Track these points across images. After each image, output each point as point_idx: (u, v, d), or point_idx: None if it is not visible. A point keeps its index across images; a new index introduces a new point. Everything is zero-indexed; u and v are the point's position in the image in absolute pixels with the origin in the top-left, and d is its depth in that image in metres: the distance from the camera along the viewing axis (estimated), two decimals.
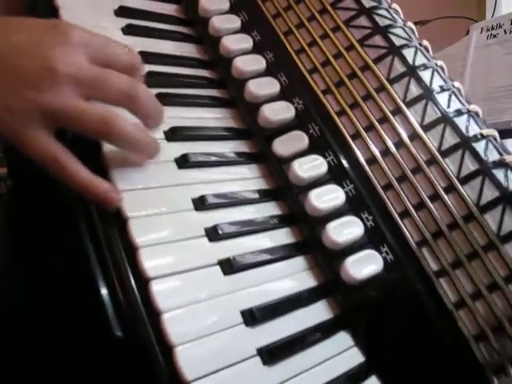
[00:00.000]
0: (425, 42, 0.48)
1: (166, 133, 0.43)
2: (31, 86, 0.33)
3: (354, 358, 0.40)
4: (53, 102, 0.33)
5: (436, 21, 1.08)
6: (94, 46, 0.36)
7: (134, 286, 0.35)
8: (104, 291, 0.35)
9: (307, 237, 0.43)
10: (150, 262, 0.35)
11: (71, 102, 0.34)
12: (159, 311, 0.34)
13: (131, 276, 0.35)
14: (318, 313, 0.40)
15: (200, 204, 0.40)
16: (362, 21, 0.48)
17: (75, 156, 0.35)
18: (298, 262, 0.42)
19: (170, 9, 0.54)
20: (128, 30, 0.48)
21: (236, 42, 0.50)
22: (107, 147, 0.39)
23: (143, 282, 0.35)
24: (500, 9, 1.29)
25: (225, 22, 0.51)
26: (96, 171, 0.37)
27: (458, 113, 0.44)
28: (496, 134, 0.44)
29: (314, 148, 0.46)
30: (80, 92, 0.34)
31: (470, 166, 0.42)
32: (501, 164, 0.42)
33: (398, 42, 0.47)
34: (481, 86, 0.88)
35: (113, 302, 0.35)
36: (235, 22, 0.52)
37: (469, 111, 0.44)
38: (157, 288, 0.34)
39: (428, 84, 0.45)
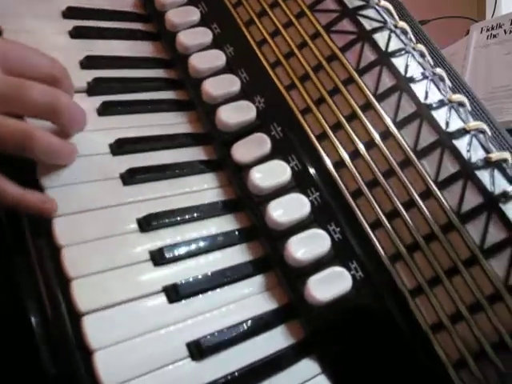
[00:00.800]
0: (402, 24, 0.42)
1: (111, 146, 0.40)
2: None
3: None
4: None
5: (436, 21, 1.05)
6: (9, 55, 0.33)
7: (67, 321, 0.32)
8: (37, 323, 0.33)
9: (268, 253, 0.39)
10: (83, 296, 0.32)
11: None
12: (91, 349, 0.31)
13: (65, 310, 0.33)
14: (280, 338, 0.37)
15: (145, 224, 0.37)
16: (329, 3, 0.43)
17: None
18: (257, 281, 0.38)
19: (127, 3, 0.50)
20: (76, 33, 0.45)
21: (193, 37, 0.45)
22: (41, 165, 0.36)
23: (77, 316, 0.32)
24: (500, 9, 1.28)
25: (182, 16, 0.47)
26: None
27: (438, 104, 0.38)
28: (484, 127, 0.38)
29: (276, 152, 0.41)
30: (4, 67, 0.32)
31: (450, 167, 0.36)
32: (486, 163, 0.36)
33: (369, 25, 0.41)
34: (481, 86, 0.86)
35: (46, 336, 0.32)
36: (194, 14, 0.47)
37: (450, 102, 0.38)
38: (88, 323, 0.32)
39: (403, 73, 0.39)
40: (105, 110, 0.41)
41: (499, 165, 0.36)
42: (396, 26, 0.42)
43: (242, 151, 0.41)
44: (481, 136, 0.38)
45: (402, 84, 0.39)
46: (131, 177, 0.38)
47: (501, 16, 1.08)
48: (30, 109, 0.33)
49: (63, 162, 0.36)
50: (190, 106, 0.45)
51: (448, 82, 0.41)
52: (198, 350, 0.33)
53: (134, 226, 0.37)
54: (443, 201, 0.36)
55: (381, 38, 0.41)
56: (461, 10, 1.24)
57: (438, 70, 0.40)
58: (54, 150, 0.34)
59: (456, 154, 0.36)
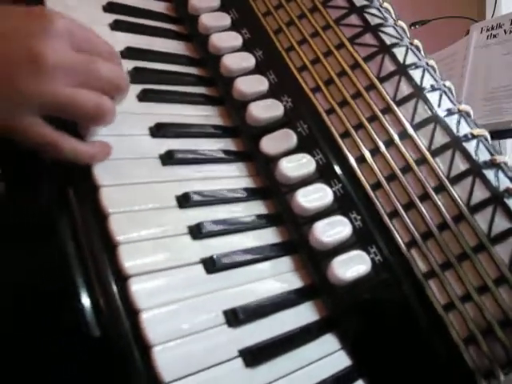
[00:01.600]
0: (416, 42, 0.47)
1: (151, 129, 0.42)
2: (19, 76, 0.33)
3: (341, 361, 0.39)
4: (43, 91, 0.33)
5: (436, 21, 1.08)
6: (78, 34, 0.36)
7: (113, 284, 0.34)
8: (82, 289, 0.34)
9: (294, 237, 0.42)
10: (129, 260, 0.34)
11: (61, 89, 0.34)
12: (138, 310, 0.33)
13: (110, 273, 0.34)
14: (304, 314, 0.39)
15: (184, 201, 0.39)
16: (353, 19, 0.48)
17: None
18: (285, 262, 0.41)
19: (159, 6, 0.54)
20: (115, 26, 0.47)
21: (225, 40, 0.49)
22: None
23: (122, 279, 0.34)
24: (500, 9, 1.29)
25: (214, 20, 0.50)
26: (79, 168, 0.37)
27: (449, 112, 0.43)
28: (487, 134, 0.43)
29: (302, 147, 0.45)
30: (68, 80, 0.34)
31: (461, 165, 0.41)
32: (492, 164, 0.41)
33: (388, 40, 0.46)
34: (481, 86, 0.88)
35: (91, 299, 0.34)
36: (225, 19, 0.51)
37: (459, 111, 0.44)
38: (136, 286, 0.33)
39: (419, 83, 0.44)
40: (145, 96, 0.43)
41: (502, 166, 0.41)
42: (411, 44, 0.47)
43: (270, 144, 0.45)
44: (485, 141, 0.43)
45: (419, 92, 0.44)
46: (170, 158, 0.41)
47: (501, 16, 1.09)
48: (98, 83, 0.35)
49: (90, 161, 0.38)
50: (219, 102, 0.48)
51: (454, 94, 0.46)
52: (235, 316, 0.35)
53: (173, 202, 0.39)
54: (454, 194, 0.40)
55: (399, 52, 0.46)
56: (461, 9, 1.24)
57: (448, 83, 0.46)
58: (85, 154, 0.37)
59: (466, 154, 0.41)
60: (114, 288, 0.34)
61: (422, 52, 0.48)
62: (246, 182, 0.44)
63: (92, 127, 0.38)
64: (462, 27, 1.05)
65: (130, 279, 0.33)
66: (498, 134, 0.86)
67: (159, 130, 0.42)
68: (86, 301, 0.34)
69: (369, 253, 0.40)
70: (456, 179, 0.40)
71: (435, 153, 0.42)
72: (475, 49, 0.94)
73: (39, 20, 0.34)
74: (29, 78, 0.33)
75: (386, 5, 0.49)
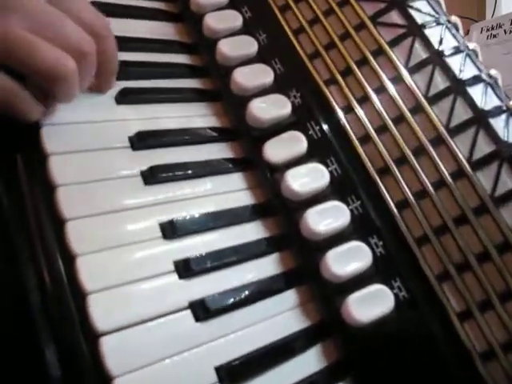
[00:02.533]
0: (453, 18, 0.38)
1: (131, 139, 0.35)
2: None
3: None
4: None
5: None
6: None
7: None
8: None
9: (301, 264, 0.36)
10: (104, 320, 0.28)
11: (17, 30, 0.28)
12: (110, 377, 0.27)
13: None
14: (313, 360, 0.33)
15: (169, 231, 0.33)
16: None
17: None
18: (289, 296, 0.35)
19: None
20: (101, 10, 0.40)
21: (222, 20, 0.41)
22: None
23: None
24: (500, 9, 1.27)
25: None
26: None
27: (497, 112, 0.35)
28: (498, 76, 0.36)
29: (313, 153, 0.37)
30: (27, 25, 0.29)
31: (485, 147, 0.33)
32: (500, 111, 0.33)
33: (420, 18, 0.37)
34: None
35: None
36: None
37: (509, 109, 0.35)
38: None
39: (458, 74, 0.36)
40: (123, 98, 0.36)
41: None
42: (449, 22, 0.38)
43: (275, 150, 0.37)
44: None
45: (458, 87, 0.35)
46: (153, 176, 0.34)
47: (501, 16, 1.08)
48: (63, 42, 0.30)
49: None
50: (214, 97, 0.41)
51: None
52: (228, 373, 0.30)
53: (158, 232, 0.33)
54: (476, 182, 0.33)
55: (432, 33, 0.37)
56: (461, 9, 1.23)
57: (494, 72, 0.37)
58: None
59: (492, 134, 0.34)
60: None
61: (461, 32, 0.39)
62: (245, 197, 0.37)
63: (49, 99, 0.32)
64: (462, 27, 0.99)
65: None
66: None
67: (140, 141, 0.35)
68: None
69: (392, 287, 0.34)
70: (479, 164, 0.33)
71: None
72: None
73: None
74: None
75: None
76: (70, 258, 0.29)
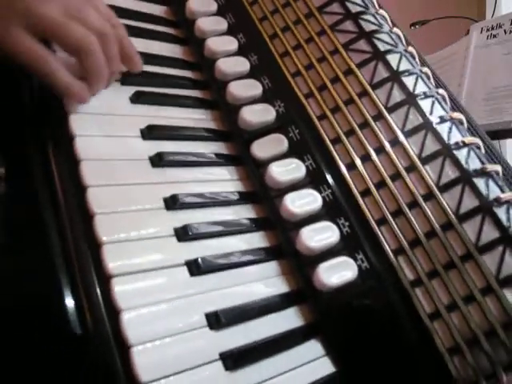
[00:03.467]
0: (410, 49, 0.47)
1: (142, 130, 0.43)
2: None
3: (325, 367, 0.39)
4: (40, 8, 0.36)
5: (436, 21, 1.07)
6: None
7: (96, 283, 0.34)
8: (66, 287, 0.34)
9: (281, 241, 0.42)
10: (113, 260, 0.34)
11: (58, 13, 0.36)
12: (119, 310, 0.33)
13: (94, 273, 0.34)
14: (289, 319, 0.39)
15: (171, 203, 0.39)
16: (348, 25, 0.48)
17: None
18: (271, 266, 0.41)
19: (158, 10, 0.54)
20: None
21: (221, 44, 0.50)
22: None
23: (106, 279, 0.34)
24: (500, 9, 1.28)
25: (211, 24, 0.51)
26: (68, 165, 0.38)
27: (441, 120, 0.43)
28: (479, 142, 0.43)
29: (293, 152, 0.45)
30: (61, 9, 0.37)
31: (451, 173, 0.41)
32: (482, 173, 0.40)
33: (382, 47, 0.46)
34: (481, 86, 0.87)
35: (74, 298, 0.34)
36: (222, 24, 0.51)
37: (452, 118, 0.43)
38: (118, 286, 0.34)
39: (411, 90, 0.44)
40: (137, 98, 0.44)
41: (493, 175, 0.41)
42: (406, 50, 0.47)
43: (261, 149, 0.45)
44: (477, 150, 0.42)
45: (411, 100, 0.43)
46: (160, 160, 0.41)
47: (501, 16, 1.08)
48: (92, 26, 0.38)
49: (96, 85, 0.40)
50: (212, 105, 0.49)
51: (448, 103, 0.46)
52: (217, 319, 0.35)
53: (161, 204, 0.39)
54: (443, 202, 0.40)
55: (392, 58, 0.46)
56: (461, 10, 1.24)
57: (441, 91, 0.45)
58: (69, 84, 0.38)
59: (456, 162, 0.41)
60: (98, 287, 0.34)
61: (417, 59, 0.48)
62: (236, 186, 0.44)
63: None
64: (462, 27, 1.04)
65: (112, 279, 0.34)
66: (498, 134, 0.85)
67: (150, 133, 0.42)
68: (69, 299, 0.34)
69: (356, 259, 0.40)
70: (445, 187, 0.40)
71: (425, 160, 0.41)
72: (475, 49, 0.93)
73: None
74: None
75: (381, 12, 0.49)
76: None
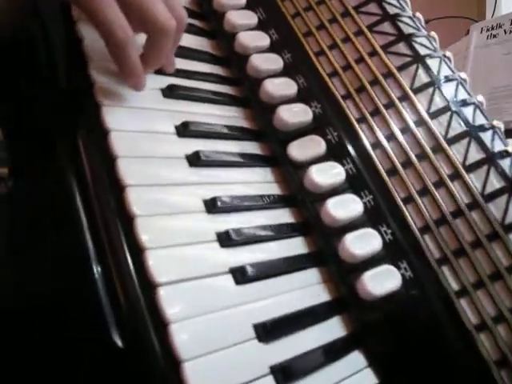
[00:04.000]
0: (448, 53, 0.47)
1: (177, 127, 0.40)
2: None
3: (368, 379, 0.37)
4: None
5: (436, 21, 1.07)
6: None
7: (139, 292, 0.32)
8: (105, 296, 0.32)
9: (322, 248, 0.41)
10: (157, 268, 0.32)
11: None
12: (167, 322, 0.30)
13: (136, 280, 0.32)
14: (332, 330, 0.38)
15: (211, 206, 0.37)
16: (386, 27, 0.46)
17: None
18: (312, 274, 0.39)
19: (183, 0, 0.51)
20: None
21: (253, 39, 0.47)
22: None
23: (150, 288, 0.31)
24: (500, 9, 1.27)
25: (241, 18, 0.49)
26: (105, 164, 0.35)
27: (483, 128, 0.42)
28: (501, 125, 0.43)
29: (331, 154, 0.43)
30: None
31: (496, 183, 0.40)
32: (506, 154, 0.40)
33: (422, 51, 0.45)
34: (481, 86, 0.86)
35: (114, 309, 0.31)
36: (252, 18, 0.49)
37: (493, 127, 0.43)
38: (165, 295, 0.31)
39: (453, 97, 0.43)
40: (171, 92, 0.41)
41: None
42: (444, 55, 0.46)
43: (298, 150, 0.43)
44: (500, 133, 0.42)
45: (453, 106, 0.43)
46: (198, 159, 0.39)
47: (501, 16, 1.07)
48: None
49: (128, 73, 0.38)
50: (244, 103, 0.47)
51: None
52: (265, 331, 0.34)
53: (201, 206, 0.37)
54: (489, 211, 0.39)
55: (432, 63, 0.45)
56: (461, 10, 1.22)
57: (480, 98, 0.45)
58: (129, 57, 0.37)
59: (481, 144, 0.40)
60: (141, 297, 0.31)
61: (453, 63, 0.47)
62: (273, 188, 0.42)
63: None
64: (462, 27, 1.03)
65: (158, 287, 0.31)
66: None
67: (186, 129, 0.40)
68: (109, 310, 0.32)
69: (399, 268, 0.39)
70: (490, 196, 0.40)
71: (469, 169, 0.40)
72: (475, 49, 0.93)
73: None
74: None
75: (417, 14, 0.49)
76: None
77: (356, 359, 0.38)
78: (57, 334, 0.32)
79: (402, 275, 0.39)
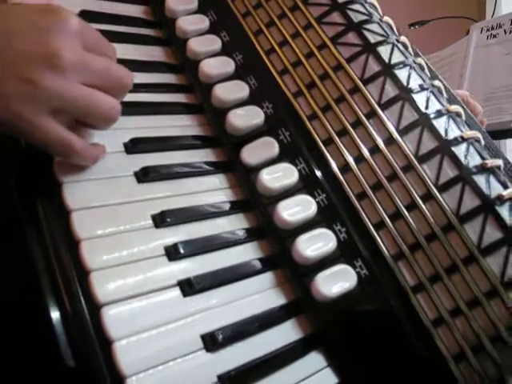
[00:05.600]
0: (403, 38, 0.45)
1: (125, 144, 0.41)
2: (38, 73, 0.32)
3: (328, 379, 0.38)
4: (60, 88, 0.33)
5: (436, 21, 1.06)
6: (88, 34, 0.36)
7: (86, 312, 0.33)
8: (56, 317, 0.33)
9: (276, 251, 0.41)
10: (101, 287, 0.33)
11: (78, 88, 0.34)
12: (111, 340, 0.32)
13: (83, 301, 0.33)
14: (288, 332, 0.38)
15: (160, 220, 0.38)
16: (335, 17, 0.45)
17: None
18: (267, 278, 0.40)
19: (136, 10, 0.52)
20: None
21: (203, 44, 0.47)
22: (59, 160, 0.37)
23: (95, 307, 0.33)
24: (500, 9, 1.28)
25: (192, 23, 0.48)
26: (50, 185, 0.36)
27: (438, 114, 0.41)
28: (479, 135, 0.41)
29: (284, 155, 0.43)
30: (83, 78, 0.34)
31: (449, 172, 0.39)
32: (482, 169, 0.39)
33: (373, 38, 0.44)
34: (481, 86, 0.87)
35: (64, 328, 0.33)
36: (203, 22, 0.49)
37: (449, 112, 0.41)
38: (108, 314, 0.32)
39: (405, 84, 0.42)
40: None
41: (494, 170, 0.39)
42: (398, 41, 0.44)
43: (251, 154, 0.43)
44: (476, 144, 0.40)
45: (405, 94, 0.41)
46: (145, 175, 0.39)
47: (501, 16, 1.09)
48: (109, 83, 0.36)
49: (89, 163, 0.38)
50: (197, 110, 0.47)
51: (445, 94, 0.44)
52: (213, 340, 0.34)
53: (149, 221, 0.38)
54: (443, 203, 0.38)
55: (384, 50, 0.43)
56: (461, 10, 1.23)
57: (437, 83, 0.43)
58: (89, 156, 0.37)
59: (455, 159, 0.39)
60: (88, 316, 0.33)
61: (410, 49, 0.45)
62: (227, 194, 0.43)
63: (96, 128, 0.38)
64: (462, 27, 1.04)
65: (103, 307, 0.33)
66: (498, 134, 0.85)
67: (134, 146, 0.41)
68: (60, 330, 0.33)
69: (354, 267, 0.39)
70: (445, 187, 0.38)
71: (422, 159, 0.39)
72: (475, 49, 0.93)
73: (54, 17, 0.34)
74: (46, 75, 0.32)
75: (371, 0, 0.47)
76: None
77: (315, 360, 0.38)
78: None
79: (358, 273, 0.39)
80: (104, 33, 0.46)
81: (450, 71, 0.92)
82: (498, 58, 0.90)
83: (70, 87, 0.33)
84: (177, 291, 0.36)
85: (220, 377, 0.33)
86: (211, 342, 0.34)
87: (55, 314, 0.33)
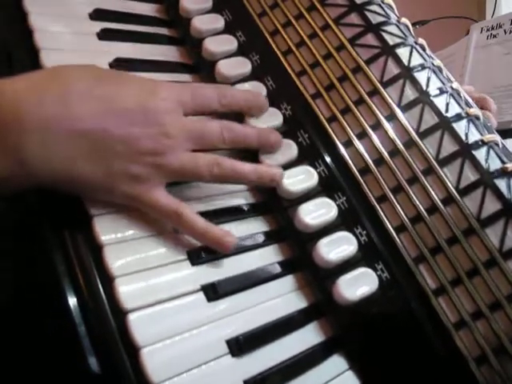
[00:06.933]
0: (421, 40, 0.45)
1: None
2: (153, 153, 0.35)
3: (350, 381, 0.38)
4: (173, 163, 0.36)
5: (436, 21, 1.06)
6: (184, 98, 0.38)
7: (111, 319, 0.33)
8: (80, 323, 0.33)
9: (296, 254, 0.41)
10: (126, 291, 0.33)
11: (187, 158, 0.37)
12: (138, 346, 0.32)
13: (108, 308, 0.33)
14: (310, 336, 0.38)
15: None
16: (353, 18, 0.45)
17: None
18: (287, 281, 0.40)
19: (150, 9, 0.51)
20: (103, 35, 0.45)
21: (219, 44, 0.47)
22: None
23: (121, 314, 0.33)
24: (500, 9, 1.28)
25: (207, 23, 0.48)
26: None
27: (457, 117, 0.41)
28: (498, 139, 0.41)
29: (303, 158, 0.43)
30: (189, 147, 0.37)
31: (470, 176, 0.39)
32: (503, 173, 0.39)
33: (391, 40, 0.44)
34: (481, 86, 0.86)
35: (89, 335, 0.33)
36: (218, 21, 0.48)
37: (468, 115, 0.41)
38: (134, 320, 0.32)
39: (425, 87, 0.42)
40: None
41: None
42: (416, 43, 0.44)
43: (270, 156, 0.43)
44: (496, 147, 0.41)
45: (424, 97, 0.41)
46: None
47: (501, 16, 1.09)
48: (214, 143, 0.39)
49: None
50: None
51: (462, 97, 0.44)
52: (238, 345, 0.34)
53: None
54: (464, 207, 0.38)
55: (403, 52, 0.43)
56: (461, 10, 1.23)
57: (455, 85, 0.43)
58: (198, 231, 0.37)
59: (475, 163, 0.39)
60: (113, 323, 0.33)
61: (428, 51, 0.45)
62: (246, 198, 0.42)
63: None
64: (462, 27, 1.04)
65: (128, 314, 0.32)
66: (498, 134, 0.85)
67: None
68: (84, 336, 0.33)
69: (375, 270, 0.39)
70: (465, 190, 0.39)
71: (443, 162, 0.40)
72: (475, 49, 0.93)
73: (154, 95, 0.36)
74: (160, 155, 0.35)
75: (387, 1, 0.47)
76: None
77: (337, 362, 0.38)
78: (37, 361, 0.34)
79: (379, 277, 0.39)
80: (117, 32, 0.46)
81: (449, 71, 0.92)
82: (498, 57, 0.90)
83: (178, 160, 0.36)
84: (201, 296, 0.36)
85: (246, 382, 0.34)
86: (236, 346, 0.34)
87: (79, 319, 0.33)
